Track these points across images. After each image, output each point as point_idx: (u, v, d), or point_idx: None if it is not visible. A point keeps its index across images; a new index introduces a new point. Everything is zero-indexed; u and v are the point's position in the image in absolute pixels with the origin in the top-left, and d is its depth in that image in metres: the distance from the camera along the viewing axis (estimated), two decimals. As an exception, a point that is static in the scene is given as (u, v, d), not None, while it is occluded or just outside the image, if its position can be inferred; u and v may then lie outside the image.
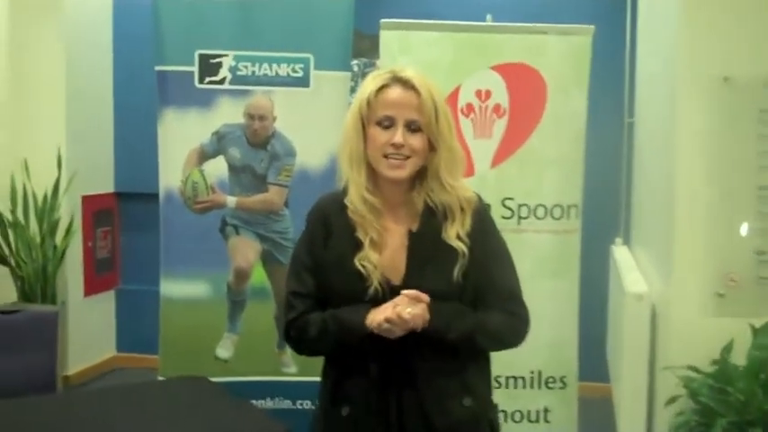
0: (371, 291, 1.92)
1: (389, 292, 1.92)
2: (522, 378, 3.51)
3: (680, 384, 2.98)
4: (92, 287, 5.55)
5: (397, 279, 1.95)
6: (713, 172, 3.04)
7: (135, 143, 5.53)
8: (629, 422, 3.58)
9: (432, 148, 1.97)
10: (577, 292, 3.57)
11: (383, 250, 1.97)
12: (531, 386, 3.52)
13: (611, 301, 4.66)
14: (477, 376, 2.03)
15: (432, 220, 1.98)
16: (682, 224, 3.13)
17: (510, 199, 3.43)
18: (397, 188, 2.00)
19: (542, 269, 3.47)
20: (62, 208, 5.07)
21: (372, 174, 1.98)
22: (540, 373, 3.52)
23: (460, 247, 1.95)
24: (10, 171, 4.94)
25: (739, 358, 2.92)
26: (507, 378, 3.49)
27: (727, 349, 2.96)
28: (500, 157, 3.43)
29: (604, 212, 4.88)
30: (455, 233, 1.96)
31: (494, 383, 3.37)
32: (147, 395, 2.89)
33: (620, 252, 4.76)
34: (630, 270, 4.15)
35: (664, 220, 3.38)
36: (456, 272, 1.94)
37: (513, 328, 2.02)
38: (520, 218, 3.44)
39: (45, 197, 4.99)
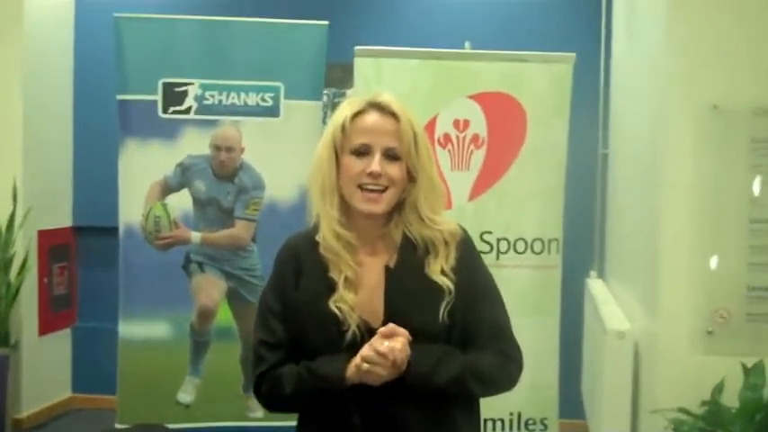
0: (349, 336, 1.76)
1: (369, 336, 1.75)
2: (502, 420, 3.44)
3: (668, 428, 2.85)
4: (47, 326, 5.31)
5: (376, 321, 1.78)
6: (701, 203, 2.94)
7: (95, 175, 5.33)
8: (611, 467, 3.46)
9: (411, 178, 1.83)
10: (558, 330, 3.47)
11: (359, 290, 1.81)
12: (511, 428, 3.45)
13: (588, 338, 4.56)
14: (466, 424, 1.87)
15: (411, 254, 1.84)
16: (667, 258, 3.02)
17: (489, 233, 3.35)
18: (373, 222, 1.85)
19: (522, 306, 3.35)
20: (17, 243, 4.87)
21: (346, 207, 1.84)
22: (519, 415, 3.45)
23: (445, 283, 1.80)
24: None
25: (730, 399, 2.81)
26: (486, 420, 3.39)
27: (718, 389, 2.84)
28: (478, 189, 3.35)
29: (578, 245, 4.78)
30: (439, 268, 1.82)
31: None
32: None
33: (595, 286, 4.67)
34: (609, 305, 4.06)
35: (647, 253, 3.28)
36: (442, 310, 1.79)
37: (506, 370, 1.86)
38: (499, 252, 3.36)
39: (-1, 231, 4.79)
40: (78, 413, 5.46)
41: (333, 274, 1.81)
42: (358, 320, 1.77)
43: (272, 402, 1.87)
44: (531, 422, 3.45)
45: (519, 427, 3.44)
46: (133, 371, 3.45)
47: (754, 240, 2.90)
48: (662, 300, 3.04)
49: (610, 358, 3.46)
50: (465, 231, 1.91)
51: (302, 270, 1.85)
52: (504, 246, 3.36)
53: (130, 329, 3.44)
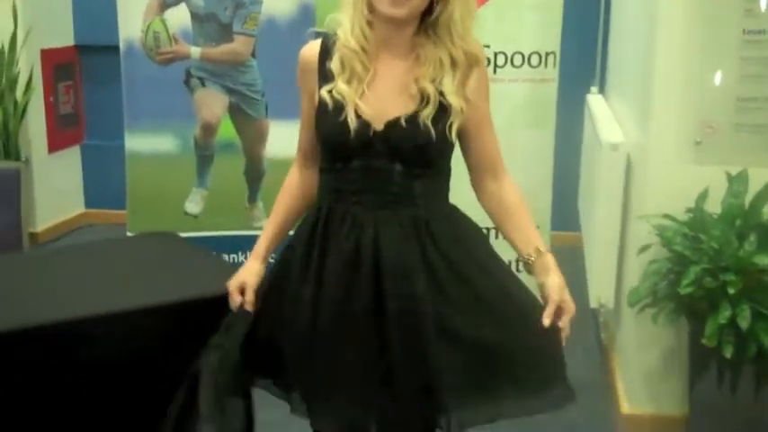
0: (353, 127, 1.81)
1: (373, 136, 1.82)
2: (495, 229, 3.50)
3: (653, 233, 2.98)
4: (56, 143, 5.42)
5: (378, 124, 1.83)
6: (695, 15, 2.94)
7: (93, -8, 5.28)
8: (599, 270, 3.62)
9: None
10: (553, 143, 3.54)
11: (369, 91, 1.84)
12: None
13: (585, 151, 4.64)
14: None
15: (433, 71, 1.85)
16: (661, 70, 3.05)
17: (486, 47, 3.33)
18: (397, 33, 1.85)
19: (519, 119, 3.42)
20: (21, 62, 4.89)
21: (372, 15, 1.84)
22: None
23: (459, 104, 1.85)
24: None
25: (715, 206, 2.92)
26: (482, 228, 3.49)
27: (702, 197, 2.95)
28: (477, 2, 3.30)
29: (580, 61, 4.78)
30: (454, 88, 1.85)
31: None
32: (115, 251, 2.83)
33: (595, 101, 4.69)
34: (606, 120, 4.11)
35: (642, 66, 3.31)
36: (447, 127, 1.85)
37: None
38: (496, 66, 3.37)
39: (2, 51, 4.80)
40: (91, 228, 5.66)
41: (338, 66, 1.85)
42: (359, 118, 1.81)
43: None
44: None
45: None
46: (141, 183, 3.55)
47: (745, 52, 2.92)
48: (653, 111, 3.09)
49: (604, 169, 3.56)
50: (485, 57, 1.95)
51: (317, 76, 1.89)
52: (501, 60, 3.36)
53: (136, 143, 3.51)
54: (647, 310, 2.95)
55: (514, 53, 3.37)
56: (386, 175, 1.85)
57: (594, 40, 5.02)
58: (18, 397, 2.08)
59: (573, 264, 4.31)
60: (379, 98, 1.85)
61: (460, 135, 1.92)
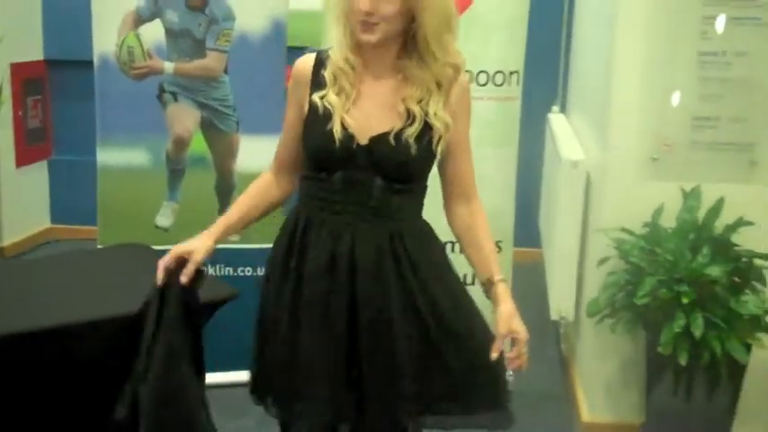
0: (338, 137, 1.89)
1: (357, 149, 1.91)
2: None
3: (611, 246, 3.10)
4: (23, 158, 5.43)
5: (362, 139, 1.91)
6: (653, 38, 3.07)
7: (64, 7, 5.32)
8: (559, 283, 3.73)
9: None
10: (516, 161, 3.62)
11: (355, 107, 1.93)
12: None
13: (546, 169, 4.76)
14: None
15: (419, 92, 1.91)
16: (619, 90, 3.18)
17: (452, 65, 3.43)
18: (379, 55, 1.92)
19: (484, 137, 3.49)
20: (-12, 76, 4.92)
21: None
22: None
23: (442, 121, 1.91)
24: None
25: (670, 221, 3.04)
26: (444, 243, 3.56)
27: (658, 212, 3.07)
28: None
29: (542, 80, 4.89)
30: (440, 109, 1.91)
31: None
32: (87, 263, 2.87)
33: (556, 120, 4.83)
34: (567, 138, 4.23)
35: (602, 86, 3.43)
36: (424, 144, 1.92)
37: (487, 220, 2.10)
38: (461, 84, 3.44)
39: (-30, 67, 4.82)
40: (57, 243, 5.65)
41: (330, 77, 1.93)
42: (344, 130, 1.89)
43: None
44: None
45: (477, 250, 3.62)
46: (112, 197, 3.56)
47: (702, 72, 3.06)
48: (612, 129, 3.21)
49: (564, 186, 3.67)
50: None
51: (308, 84, 1.97)
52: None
53: (108, 157, 3.53)
54: (605, 320, 3.06)
55: (480, 72, 3.44)
56: (366, 188, 1.93)
57: (556, 61, 5.15)
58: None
59: (534, 279, 4.43)
60: (365, 114, 1.93)
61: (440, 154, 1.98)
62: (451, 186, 2.05)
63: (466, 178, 2.05)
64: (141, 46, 3.46)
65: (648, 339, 3.00)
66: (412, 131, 1.91)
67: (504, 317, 1.96)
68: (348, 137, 1.91)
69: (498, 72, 3.45)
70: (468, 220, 2.06)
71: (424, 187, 2.03)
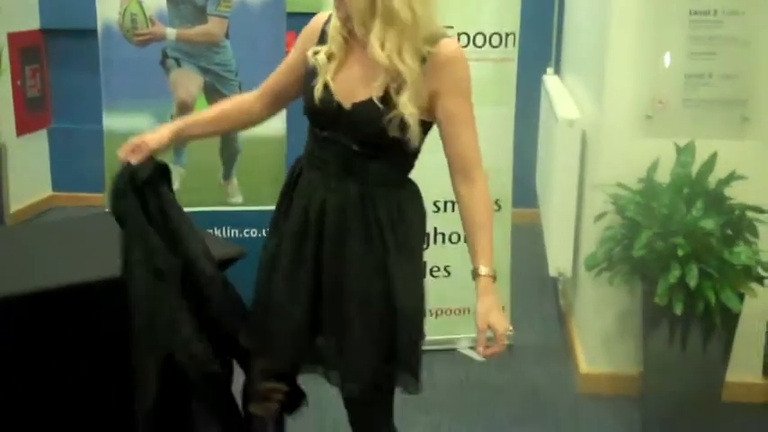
0: (317, 93, 1.97)
1: (339, 111, 1.97)
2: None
3: (607, 201, 3.18)
4: (23, 127, 5.47)
5: (346, 102, 1.97)
6: (646, -3, 3.14)
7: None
8: (558, 240, 3.82)
9: None
10: (512, 121, 3.69)
11: (341, 71, 1.99)
12: None
13: (542, 129, 4.84)
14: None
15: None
16: (614, 50, 3.24)
17: (450, 27, 3.47)
18: (359, 29, 1.96)
19: (481, 97, 3.54)
20: (-13, 46, 4.95)
21: None
22: None
23: (407, 110, 1.92)
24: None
25: (664, 176, 3.12)
26: (445, 202, 3.65)
27: (653, 168, 3.15)
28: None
29: (536, 43, 4.96)
30: (406, 100, 1.92)
31: (432, 207, 3.55)
32: (100, 225, 2.93)
33: (551, 81, 4.89)
34: (562, 98, 4.30)
35: (596, 46, 3.50)
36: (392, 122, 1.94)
37: (489, 204, 2.07)
38: (459, 46, 3.50)
39: (-32, 37, 4.85)
40: (60, 210, 5.72)
41: (328, 37, 2.01)
42: (327, 90, 1.97)
43: None
44: (486, 203, 3.70)
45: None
46: (119, 162, 3.63)
47: (693, 31, 3.13)
48: (607, 89, 3.28)
49: (560, 144, 3.75)
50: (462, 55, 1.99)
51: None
52: (464, 40, 3.49)
53: (114, 123, 3.60)
54: (603, 274, 3.14)
55: (476, 33, 3.52)
56: (345, 150, 2.01)
57: (549, 24, 5.20)
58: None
59: (531, 238, 4.52)
60: (352, 80, 1.99)
61: (439, 129, 2.02)
62: (450, 162, 2.04)
63: (462, 154, 2.01)
64: (144, 13, 3.51)
65: (645, 291, 3.08)
66: (393, 112, 1.93)
67: (481, 312, 1.97)
68: (330, 98, 1.99)
69: (495, 33, 3.53)
70: (467, 203, 2.03)
71: (408, 156, 2.05)
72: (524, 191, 4.74)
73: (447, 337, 3.77)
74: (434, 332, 3.71)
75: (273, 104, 2.21)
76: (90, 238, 2.70)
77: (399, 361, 2.04)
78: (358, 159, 2.00)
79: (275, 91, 2.18)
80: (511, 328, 3.79)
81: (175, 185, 3.70)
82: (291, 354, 2.13)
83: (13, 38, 5.31)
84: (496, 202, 3.70)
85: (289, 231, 2.08)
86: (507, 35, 3.54)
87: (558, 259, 3.79)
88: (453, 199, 3.54)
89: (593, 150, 3.53)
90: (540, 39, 5.10)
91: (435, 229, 3.68)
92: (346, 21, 1.96)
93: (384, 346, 2.03)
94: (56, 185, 5.88)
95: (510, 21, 3.54)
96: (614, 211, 3.16)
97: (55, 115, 5.77)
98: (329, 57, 2.00)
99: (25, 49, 5.44)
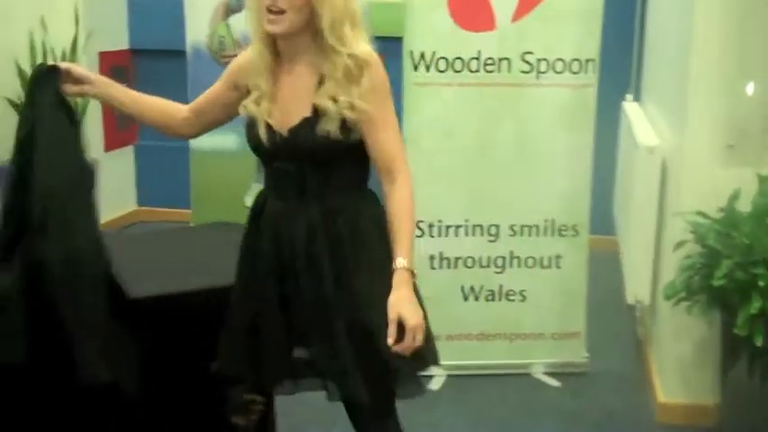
0: (262, 136, 2.05)
1: (280, 140, 2.05)
2: (537, 226, 3.68)
3: (687, 230, 3.15)
4: (112, 143, 5.67)
5: (283, 130, 2.05)
6: (730, 25, 3.11)
7: (148, 2, 5.55)
8: (636, 267, 3.78)
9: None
10: (591, 146, 3.69)
11: (274, 101, 2.06)
12: (545, 234, 3.70)
13: (621, 156, 4.80)
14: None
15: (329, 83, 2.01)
16: (696, 78, 3.21)
17: (530, 53, 3.51)
18: (292, 45, 2.03)
19: (559, 123, 3.58)
20: (81, 65, 5.11)
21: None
22: (553, 222, 3.69)
23: (332, 108, 1.99)
24: (28, 28, 4.97)
25: (745, 206, 3.08)
26: (522, 226, 3.66)
27: (735, 197, 3.11)
28: (521, 11, 3.48)
29: (616, 69, 4.94)
30: (327, 95, 2.00)
31: (509, 232, 3.53)
32: (186, 238, 3.04)
33: (630, 108, 4.86)
34: (642, 125, 4.27)
35: (678, 74, 3.47)
36: (331, 129, 2.01)
37: (410, 201, 2.09)
38: (539, 72, 3.53)
39: (63, 54, 5.04)
40: (144, 225, 5.88)
41: (251, 82, 2.08)
42: (269, 129, 2.04)
43: None
44: (563, 228, 3.69)
45: (553, 233, 3.69)
46: (204, 179, 3.77)
47: (778, 60, 3.10)
48: (688, 116, 3.26)
49: (640, 171, 3.72)
50: (375, 59, 2.03)
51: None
52: (543, 66, 3.52)
53: (200, 141, 3.69)
54: (681, 303, 3.11)
55: (556, 60, 3.53)
56: (294, 174, 2.08)
57: (630, 51, 5.18)
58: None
59: (609, 265, 4.48)
60: (284, 108, 2.07)
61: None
62: (375, 162, 2.10)
63: (384, 154, 2.06)
64: (231, 35, 3.63)
65: (724, 321, 3.04)
66: (325, 120, 2.01)
67: (392, 302, 1.98)
68: (272, 134, 2.06)
69: (575, 60, 3.54)
70: (389, 200, 2.08)
71: (355, 164, 2.11)
72: (602, 217, 4.70)
73: (521, 362, 3.77)
74: (509, 356, 3.76)
75: (194, 124, 2.30)
76: (206, 247, 2.84)
77: (391, 368, 2.05)
78: (308, 180, 2.07)
79: (197, 112, 2.27)
80: (587, 354, 3.78)
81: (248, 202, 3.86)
82: (275, 373, 2.21)
83: (104, 57, 5.52)
84: (574, 227, 3.70)
85: (262, 271, 2.15)
86: (587, 61, 3.55)
87: (637, 287, 3.76)
88: (528, 224, 3.59)
89: (673, 178, 3.50)
90: (619, 65, 5.08)
91: (511, 252, 3.70)
92: (283, 36, 2.00)
93: (366, 357, 2.06)
94: (140, 200, 6.06)
95: (590, 47, 3.55)
96: (694, 239, 3.13)
97: (142, 132, 5.96)
98: (258, 101, 2.06)
99: (115, 67, 5.63)
